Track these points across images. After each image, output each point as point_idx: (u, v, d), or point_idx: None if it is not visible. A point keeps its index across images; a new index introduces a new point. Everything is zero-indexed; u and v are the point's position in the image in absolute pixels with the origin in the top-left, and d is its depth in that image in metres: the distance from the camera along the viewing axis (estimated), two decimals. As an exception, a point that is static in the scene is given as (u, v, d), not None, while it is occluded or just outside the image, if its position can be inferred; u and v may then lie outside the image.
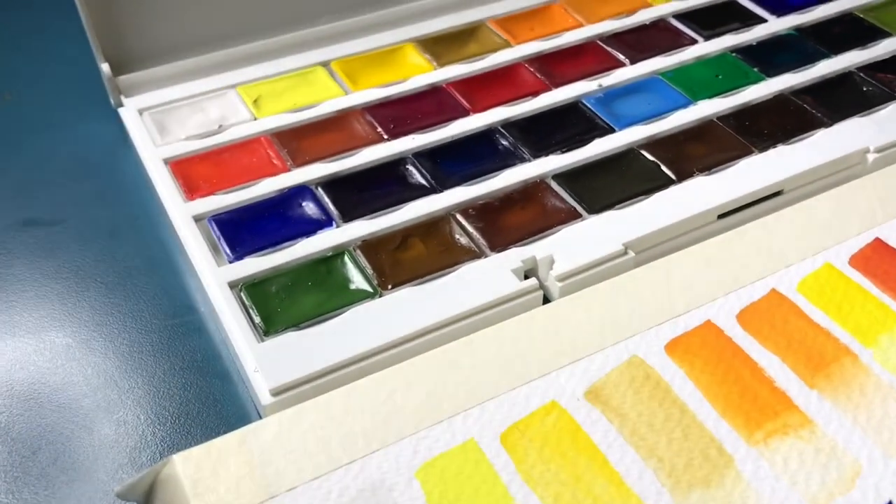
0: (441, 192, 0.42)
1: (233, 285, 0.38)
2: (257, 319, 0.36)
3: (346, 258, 0.39)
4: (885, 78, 0.49)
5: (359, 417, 0.30)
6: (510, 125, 0.46)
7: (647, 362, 0.33)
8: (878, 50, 0.51)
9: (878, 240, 0.38)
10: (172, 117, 0.47)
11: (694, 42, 0.52)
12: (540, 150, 0.45)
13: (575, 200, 0.42)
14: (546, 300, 0.38)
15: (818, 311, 0.35)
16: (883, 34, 0.53)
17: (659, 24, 0.54)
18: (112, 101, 0.49)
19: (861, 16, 0.55)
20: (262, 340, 0.35)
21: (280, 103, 0.48)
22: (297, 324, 0.36)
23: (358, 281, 0.38)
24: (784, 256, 0.37)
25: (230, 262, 0.39)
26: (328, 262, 0.38)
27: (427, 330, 0.35)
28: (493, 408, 0.31)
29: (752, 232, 0.38)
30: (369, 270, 0.38)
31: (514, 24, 0.54)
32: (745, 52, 0.51)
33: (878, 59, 0.51)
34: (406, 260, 0.39)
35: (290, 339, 0.35)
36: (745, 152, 0.44)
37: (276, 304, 0.37)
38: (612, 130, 0.46)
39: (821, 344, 0.33)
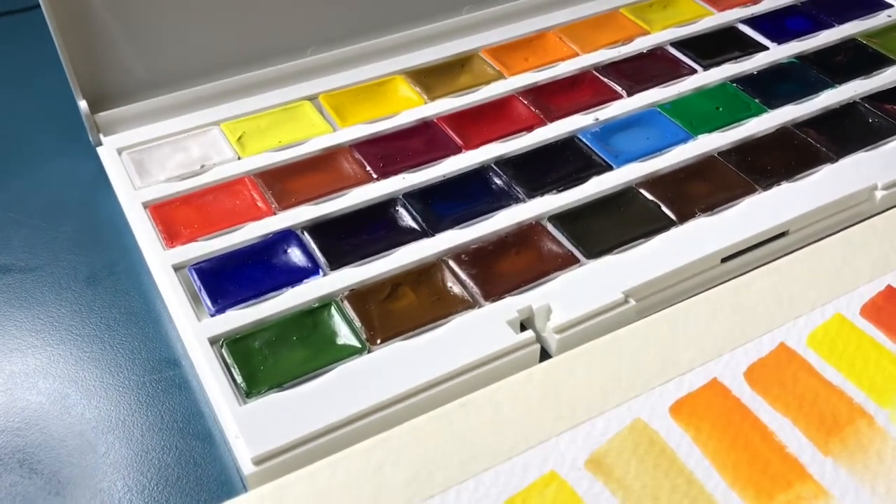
0: (432, 235, 0.40)
1: (214, 341, 0.36)
2: (239, 379, 0.34)
3: (334, 310, 0.37)
4: (891, 109, 0.48)
5: (346, 494, 0.29)
6: (504, 162, 0.45)
7: (651, 426, 0.31)
8: (882, 78, 0.50)
9: (889, 287, 0.36)
10: (153, 157, 0.45)
11: (693, 71, 0.51)
12: (535, 190, 0.43)
13: (572, 244, 0.40)
14: (544, 352, 0.36)
15: (830, 367, 0.33)
16: (888, 62, 0.51)
17: (657, 53, 0.52)
18: (91, 140, 0.47)
19: (864, 42, 0.53)
20: (245, 403, 0.33)
21: (265, 141, 0.46)
22: (282, 384, 0.34)
23: (345, 335, 0.36)
24: (792, 307, 0.35)
25: (211, 316, 0.37)
26: (314, 315, 0.37)
27: (419, 389, 0.34)
28: (489, 480, 0.29)
29: (759, 281, 0.36)
30: (357, 323, 0.36)
31: (508, 53, 0.52)
32: (745, 81, 0.50)
33: (883, 88, 0.49)
34: (396, 311, 0.37)
35: (273, 400, 0.33)
36: (749, 191, 0.42)
37: (259, 362, 0.35)
38: (609, 168, 0.44)
39: (834, 405, 0.31)
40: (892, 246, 0.38)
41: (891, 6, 0.56)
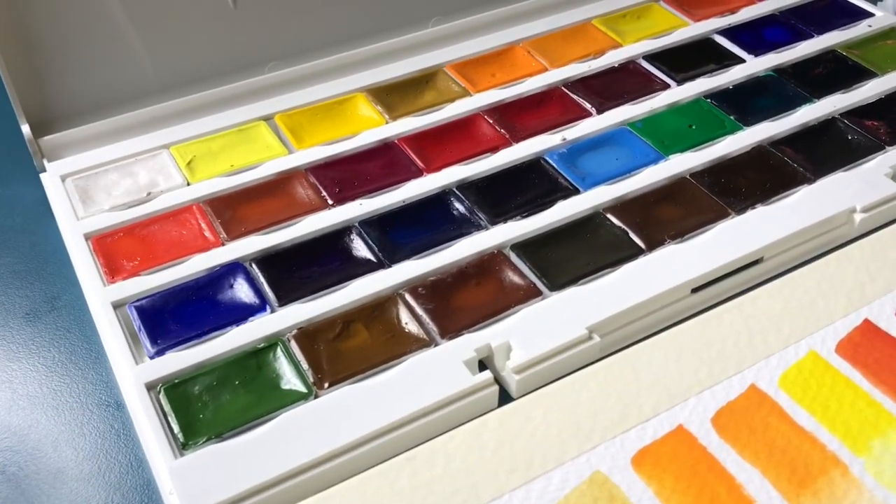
0: (389, 266, 0.38)
1: (151, 386, 0.34)
2: (176, 429, 0.32)
3: (280, 351, 0.35)
4: (871, 125, 0.46)
5: (280, 561, 0.27)
6: (467, 186, 0.43)
7: (611, 480, 0.29)
8: (862, 92, 0.48)
9: (867, 322, 0.34)
10: (98, 184, 0.43)
11: (666, 86, 0.49)
12: (498, 216, 0.41)
13: (535, 275, 0.38)
14: (503, 392, 0.34)
15: (802, 411, 0.31)
16: (868, 74, 0.49)
17: (629, 67, 0.50)
18: (35, 165, 0.45)
19: (844, 54, 0.51)
20: (181, 454, 0.31)
21: (216, 165, 0.44)
22: (221, 433, 0.32)
23: (291, 379, 0.34)
24: (765, 344, 0.33)
25: (151, 358, 0.35)
26: (259, 356, 0.35)
27: (367, 438, 0.32)
28: (435, 544, 0.27)
29: (729, 315, 0.34)
30: (304, 365, 0.34)
31: (474, 69, 0.50)
32: (720, 97, 0.48)
33: (863, 103, 0.47)
34: (347, 351, 0.35)
35: (211, 452, 0.31)
36: (721, 215, 0.40)
37: (198, 410, 0.33)
38: (576, 191, 0.42)
39: (806, 453, 0.30)
40: (869, 276, 0.36)
41: (871, 15, 0.55)
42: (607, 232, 0.40)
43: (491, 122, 0.46)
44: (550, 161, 0.44)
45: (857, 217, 0.41)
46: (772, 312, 0.34)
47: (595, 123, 0.46)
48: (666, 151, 0.44)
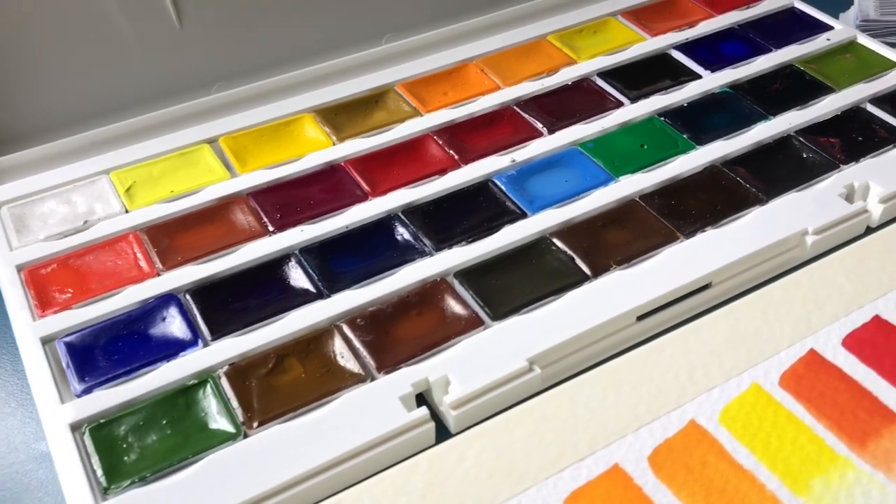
0: (328, 296, 0.37)
1: (76, 426, 0.33)
2: (99, 472, 0.31)
3: (210, 388, 0.34)
4: (826, 143, 0.45)
5: None
6: (412, 211, 0.42)
7: (542, 524, 0.28)
8: (819, 109, 0.47)
9: (812, 352, 0.33)
10: (35, 212, 0.42)
11: (619, 104, 0.48)
12: (443, 242, 0.40)
13: (478, 304, 0.37)
14: (441, 427, 0.33)
15: (742, 448, 0.30)
16: (825, 90, 0.49)
17: (582, 85, 0.49)
18: (-29, 192, 0.44)
19: (802, 68, 0.50)
20: (103, 499, 0.30)
21: (156, 191, 0.43)
22: (145, 477, 0.31)
23: (219, 418, 0.33)
24: (706, 378, 0.32)
25: (77, 396, 0.34)
26: (188, 394, 0.34)
27: (297, 480, 0.31)
28: None
29: (671, 346, 0.33)
30: (234, 403, 0.33)
31: (426, 87, 0.49)
32: (674, 115, 0.47)
33: (819, 119, 0.47)
34: (280, 387, 0.34)
35: (135, 497, 0.30)
36: (670, 239, 0.40)
37: (123, 452, 0.32)
38: (523, 215, 0.41)
39: (744, 493, 0.29)
40: (816, 304, 0.35)
41: (831, 28, 0.54)
42: (553, 258, 0.39)
43: (440, 143, 0.45)
44: (499, 184, 0.43)
45: (809, 239, 0.40)
46: (715, 343, 0.33)
47: (546, 144, 0.45)
48: (616, 173, 0.43)
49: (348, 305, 0.37)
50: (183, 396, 0.33)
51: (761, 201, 0.41)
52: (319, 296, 0.37)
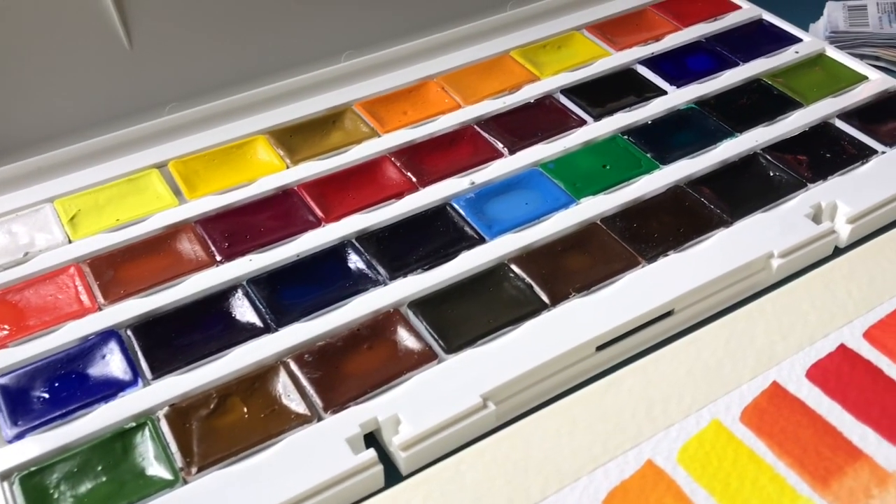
0: (276, 331, 0.36)
1: (6, 475, 0.31)
2: (26, 526, 0.29)
3: (148, 431, 0.32)
4: (793, 160, 0.44)
5: None
6: (367, 238, 0.40)
7: (490, 576, 0.27)
8: (786, 125, 0.46)
9: (775, 385, 0.32)
10: (-27, 243, 0.40)
11: (582, 122, 0.47)
12: (398, 270, 0.38)
13: (432, 336, 0.36)
14: (391, 468, 0.32)
15: (701, 489, 0.29)
16: (793, 105, 0.48)
17: (545, 103, 0.48)
18: None
19: (769, 83, 0.49)
20: (30, 555, 0.29)
21: (101, 220, 0.41)
22: (75, 530, 0.29)
23: (157, 465, 0.31)
24: (664, 415, 0.31)
25: (9, 442, 0.32)
26: (125, 438, 0.32)
27: (235, 530, 0.29)
28: None
29: (629, 381, 0.32)
30: (173, 448, 0.32)
31: (385, 107, 0.48)
32: (638, 133, 0.46)
33: (786, 135, 0.45)
34: (221, 429, 0.32)
35: (63, 552, 0.29)
36: (631, 264, 0.38)
37: (54, 502, 0.30)
38: (482, 241, 0.40)
39: (701, 539, 0.27)
40: (780, 333, 0.34)
41: (799, 41, 0.53)
42: (510, 286, 0.38)
43: (398, 165, 0.44)
44: (457, 207, 0.42)
45: (775, 263, 0.39)
46: (676, 376, 0.32)
47: (506, 165, 0.44)
48: (577, 195, 0.42)
49: (296, 340, 0.35)
50: (120, 440, 0.32)
51: (726, 223, 0.40)
52: (266, 330, 0.36)
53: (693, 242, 0.39)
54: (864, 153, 0.44)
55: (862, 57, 0.54)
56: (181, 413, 0.33)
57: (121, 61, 0.45)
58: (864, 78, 0.50)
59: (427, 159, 0.44)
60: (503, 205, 0.42)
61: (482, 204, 0.42)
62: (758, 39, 0.53)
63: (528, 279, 0.38)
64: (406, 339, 0.35)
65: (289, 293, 0.38)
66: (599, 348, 0.35)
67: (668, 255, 0.39)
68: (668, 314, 0.37)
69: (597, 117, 0.47)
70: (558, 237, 0.40)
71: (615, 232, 0.40)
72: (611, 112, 0.47)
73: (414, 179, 0.43)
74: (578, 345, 0.35)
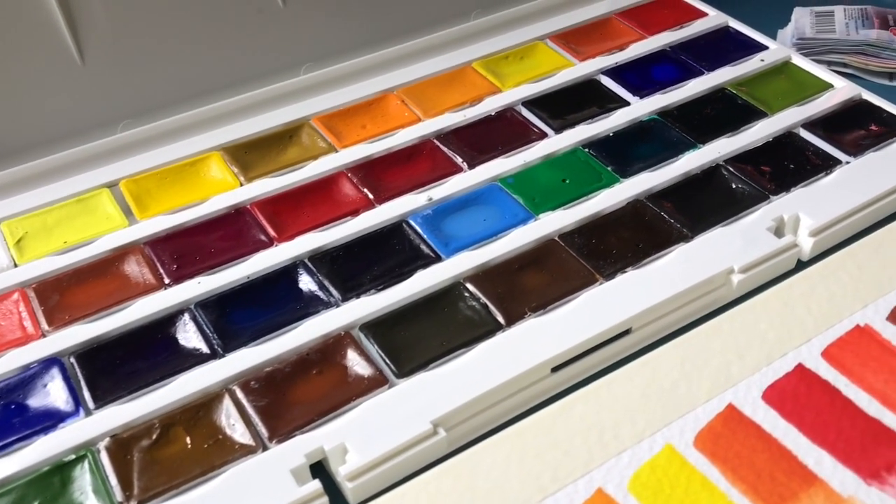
0: (222, 356, 0.35)
1: (-62, 513, 0.30)
2: (-43, 566, 0.28)
3: (87, 464, 0.31)
4: (756, 172, 0.43)
5: None
6: (320, 257, 0.39)
7: None
8: (751, 135, 0.45)
9: (730, 407, 0.31)
10: (-85, 268, 0.39)
11: (543, 135, 0.46)
12: (351, 290, 0.38)
13: (384, 360, 0.35)
14: (339, 499, 0.31)
15: (652, 519, 0.28)
16: (758, 114, 0.47)
17: (506, 115, 0.47)
18: None
19: (734, 92, 0.49)
20: None
21: (49, 242, 0.40)
22: (7, 570, 0.28)
23: (95, 500, 0.30)
24: (617, 438, 0.30)
25: (-58, 478, 0.31)
26: (64, 471, 0.31)
27: (173, 567, 0.28)
28: None
29: (582, 406, 0.31)
30: (112, 481, 0.31)
31: (344, 121, 0.47)
32: (599, 146, 0.45)
33: (749, 146, 0.45)
34: (163, 460, 0.31)
35: None
36: (589, 282, 0.38)
37: (-14, 541, 0.29)
38: (438, 259, 0.39)
39: (651, 571, 0.27)
40: (736, 353, 0.33)
41: (765, 48, 0.52)
42: (465, 306, 0.37)
43: (355, 181, 0.43)
44: (414, 224, 0.41)
45: (735, 278, 0.38)
46: (629, 399, 0.31)
47: (465, 180, 0.43)
48: (536, 210, 0.41)
49: (244, 366, 0.34)
50: (59, 474, 0.31)
51: (686, 238, 0.40)
52: (213, 356, 0.35)
53: (652, 258, 0.39)
54: (829, 164, 0.44)
55: (829, 64, 0.54)
56: (122, 444, 0.32)
57: (72, 77, 0.44)
58: (829, 86, 0.49)
59: (385, 175, 0.44)
60: (461, 221, 0.41)
61: (439, 221, 0.41)
62: (724, 47, 0.52)
63: (483, 299, 0.37)
64: (356, 363, 0.35)
65: (238, 317, 0.37)
66: (555, 369, 0.35)
67: (626, 272, 0.38)
68: (626, 333, 0.36)
69: (558, 130, 0.46)
70: (516, 254, 0.39)
71: (573, 248, 0.39)
72: (572, 124, 0.46)
73: (370, 196, 0.42)
74: (533, 367, 0.34)
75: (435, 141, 0.46)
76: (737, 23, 0.55)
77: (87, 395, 0.34)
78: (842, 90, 0.49)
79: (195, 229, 0.41)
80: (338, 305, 0.37)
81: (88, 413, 0.33)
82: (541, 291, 0.37)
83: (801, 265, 0.40)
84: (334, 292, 0.38)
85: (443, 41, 0.52)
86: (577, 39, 0.53)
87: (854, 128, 0.46)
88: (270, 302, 0.37)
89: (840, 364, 0.32)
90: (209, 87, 0.47)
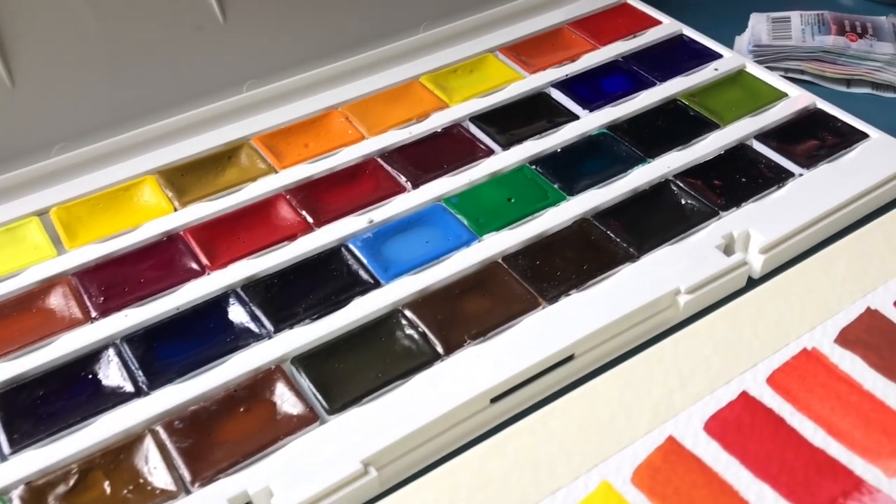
0: (147, 394, 0.33)
1: None
2: None
3: (-2, 515, 0.30)
4: (706, 187, 0.42)
5: None
6: (253, 286, 0.38)
7: None
8: (702, 148, 0.44)
9: (670, 440, 0.30)
10: None
11: (490, 152, 0.44)
12: (284, 321, 0.36)
13: (315, 395, 0.33)
14: (267, 544, 0.30)
15: (584, 564, 0.27)
16: (710, 126, 0.46)
17: (453, 132, 0.46)
18: None
19: (686, 103, 0.48)
20: None
21: (-28, 275, 0.38)
22: None
23: (3, 554, 0.29)
24: (552, 476, 0.29)
25: None
26: (-27, 524, 0.30)
27: None
28: None
29: (516, 441, 0.30)
30: (24, 533, 0.29)
31: (285, 140, 0.46)
32: (546, 162, 0.44)
33: (700, 160, 0.44)
34: (80, 508, 0.30)
35: None
36: (532, 306, 0.36)
37: None
38: (377, 285, 0.38)
39: None
40: (679, 381, 0.32)
41: (719, 56, 0.51)
42: (403, 335, 0.36)
43: (294, 203, 0.42)
44: (354, 248, 0.39)
45: (682, 299, 0.37)
46: (565, 434, 0.30)
47: (408, 200, 0.42)
48: (480, 231, 0.40)
49: (168, 404, 0.33)
50: (-34, 527, 0.29)
51: (632, 258, 0.38)
52: (137, 394, 0.34)
53: (597, 280, 0.38)
54: (781, 177, 0.42)
55: (786, 71, 0.53)
56: (37, 492, 0.30)
57: (2, 100, 0.42)
58: (783, 95, 0.48)
59: (325, 196, 0.42)
60: (402, 244, 0.40)
61: (380, 244, 0.40)
62: (677, 57, 0.51)
63: (422, 326, 0.36)
64: (286, 399, 0.33)
65: (165, 351, 0.35)
66: (494, 400, 0.33)
67: (570, 295, 0.37)
68: (569, 359, 0.35)
69: (505, 146, 0.45)
70: (457, 278, 0.38)
71: (517, 271, 0.38)
72: (520, 140, 0.45)
73: (309, 219, 0.41)
74: (471, 398, 0.33)
75: (379, 160, 0.44)
76: (692, 31, 0.54)
77: (2, 438, 0.32)
78: (796, 99, 0.48)
79: (125, 258, 0.39)
80: (270, 337, 0.36)
81: (3, 458, 0.32)
82: (482, 317, 0.36)
83: (752, 282, 0.39)
84: (266, 323, 0.36)
85: (391, 55, 0.51)
86: (528, 51, 0.52)
87: (808, 138, 0.45)
88: (200, 335, 0.36)
89: (785, 391, 0.31)
90: (147, 108, 0.46)
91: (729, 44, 0.55)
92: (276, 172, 0.44)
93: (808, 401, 0.31)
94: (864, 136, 0.45)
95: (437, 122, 0.46)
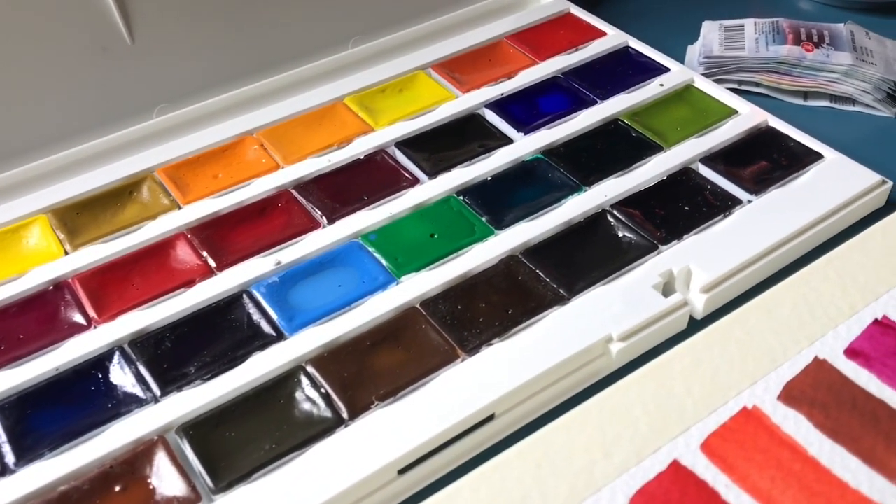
0: (13, 473, 0.30)
1: None
2: None
3: None
4: (644, 218, 0.39)
5: None
6: (142, 342, 0.34)
7: None
8: (643, 173, 0.41)
9: (591, 520, 0.27)
10: None
11: (415, 182, 0.41)
12: (171, 383, 0.33)
13: (200, 470, 0.30)
14: None
15: None
16: (652, 149, 0.42)
17: (376, 159, 0.42)
18: None
19: (628, 123, 0.44)
20: None
21: None
22: None
23: None
24: (454, 570, 0.26)
25: None
26: None
27: None
28: None
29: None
30: None
31: (193, 171, 0.42)
32: (475, 192, 0.40)
33: (641, 187, 0.40)
34: None
35: None
36: (450, 358, 0.33)
37: None
38: (279, 338, 0.34)
39: None
40: (603, 449, 0.28)
41: (666, 70, 0.48)
42: (304, 396, 0.32)
43: (195, 243, 0.38)
44: (256, 295, 0.36)
45: (615, 347, 0.33)
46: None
47: (322, 238, 0.38)
48: (399, 272, 0.36)
49: (36, 484, 0.29)
50: None
51: (562, 300, 0.35)
52: (3, 473, 0.30)
53: (523, 326, 0.34)
54: (727, 204, 0.39)
55: (740, 83, 0.49)
56: None
57: None
58: (733, 112, 0.45)
59: (231, 235, 0.39)
60: (312, 289, 0.36)
61: (287, 289, 0.36)
62: (622, 71, 0.48)
63: (325, 387, 0.32)
64: (167, 476, 0.30)
65: (39, 420, 0.32)
66: (402, 471, 0.30)
67: (492, 345, 0.33)
68: (489, 419, 0.31)
69: (431, 174, 0.41)
70: (369, 328, 0.34)
71: (435, 318, 0.34)
72: (448, 167, 0.42)
73: (211, 262, 0.37)
74: (375, 471, 0.29)
75: (293, 191, 0.41)
76: (638, 42, 0.50)
77: None
78: (747, 116, 0.44)
79: (5, 311, 0.35)
80: (156, 402, 0.32)
81: None
82: (394, 373, 0.33)
83: (696, 324, 0.35)
84: (153, 385, 0.32)
85: (314, 73, 0.47)
86: (462, 68, 0.48)
87: (758, 159, 0.42)
88: (80, 400, 0.32)
89: (721, 459, 0.28)
90: (42, 140, 0.42)
91: (681, 54, 0.52)
92: (180, 208, 0.40)
93: (746, 470, 0.28)
94: (818, 156, 0.42)
95: (359, 147, 0.43)
